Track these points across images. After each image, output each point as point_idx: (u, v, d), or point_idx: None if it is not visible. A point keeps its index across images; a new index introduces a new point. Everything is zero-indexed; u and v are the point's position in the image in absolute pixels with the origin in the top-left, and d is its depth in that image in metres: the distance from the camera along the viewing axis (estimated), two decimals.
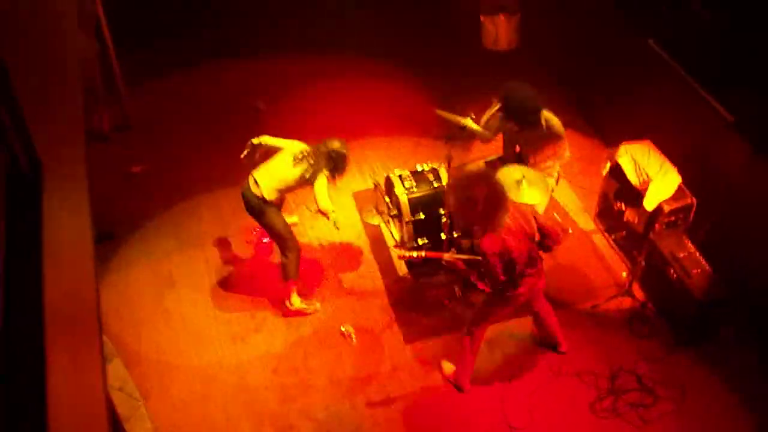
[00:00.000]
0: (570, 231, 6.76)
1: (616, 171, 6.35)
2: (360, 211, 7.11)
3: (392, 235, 6.76)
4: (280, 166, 5.68)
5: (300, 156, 5.62)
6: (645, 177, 6.06)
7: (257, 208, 5.75)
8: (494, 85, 6.11)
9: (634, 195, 6.19)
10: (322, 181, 5.57)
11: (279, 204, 5.90)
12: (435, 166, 6.47)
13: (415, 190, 6.22)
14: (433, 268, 6.36)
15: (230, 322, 6.31)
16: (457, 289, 6.37)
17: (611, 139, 7.20)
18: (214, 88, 8.64)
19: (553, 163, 5.98)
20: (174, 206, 7.21)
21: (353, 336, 6.10)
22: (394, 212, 6.45)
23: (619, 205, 6.43)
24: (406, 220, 6.19)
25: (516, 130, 5.99)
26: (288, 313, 6.18)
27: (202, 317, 6.33)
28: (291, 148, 5.74)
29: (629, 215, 6.34)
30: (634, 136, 6.48)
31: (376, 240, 6.88)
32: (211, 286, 6.53)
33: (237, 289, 6.54)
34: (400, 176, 6.36)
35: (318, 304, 6.19)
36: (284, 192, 5.82)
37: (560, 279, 6.39)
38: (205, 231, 7.03)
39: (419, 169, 6.46)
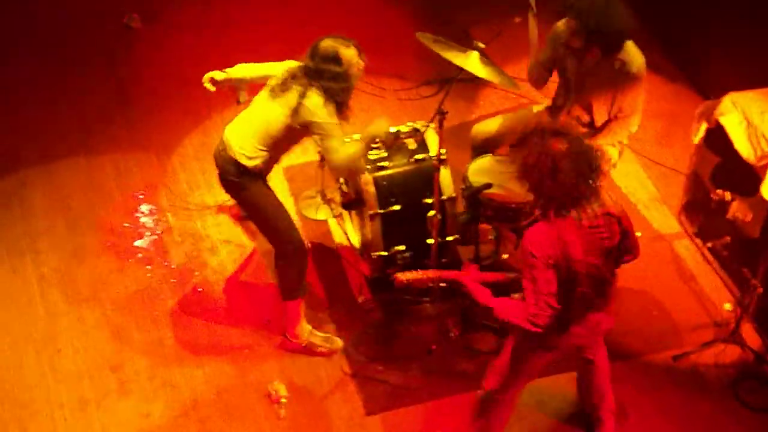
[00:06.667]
0: (639, 234, 5.83)
1: (717, 138, 5.72)
2: (296, 198, 6.45)
3: (347, 238, 6.11)
4: (256, 108, 5.16)
5: (281, 82, 4.92)
6: (765, 148, 5.36)
7: (234, 180, 5.16)
8: None
9: (745, 177, 5.51)
10: (314, 98, 4.79)
11: (266, 173, 5.30)
12: (418, 126, 5.71)
13: (385, 164, 5.58)
14: (415, 290, 5.58)
15: (81, 376, 5.37)
16: (452, 325, 5.52)
17: (710, 85, 6.67)
18: None
19: (622, 125, 5.39)
20: None
21: (283, 401, 5.26)
22: (351, 200, 5.81)
23: (720, 193, 5.81)
24: (371, 212, 5.50)
25: (578, 61, 5.38)
26: (293, 346, 5.47)
27: (32, 371, 5.44)
28: (275, 74, 5.13)
29: (737, 210, 5.67)
30: (749, 81, 5.78)
31: (320, 245, 6.15)
32: (47, 318, 5.67)
33: (100, 322, 5.60)
34: None
35: (340, 342, 5.50)
36: (270, 152, 5.12)
37: (623, 313, 5.60)
38: (36, 227, 6.12)
39: (393, 130, 5.71)
